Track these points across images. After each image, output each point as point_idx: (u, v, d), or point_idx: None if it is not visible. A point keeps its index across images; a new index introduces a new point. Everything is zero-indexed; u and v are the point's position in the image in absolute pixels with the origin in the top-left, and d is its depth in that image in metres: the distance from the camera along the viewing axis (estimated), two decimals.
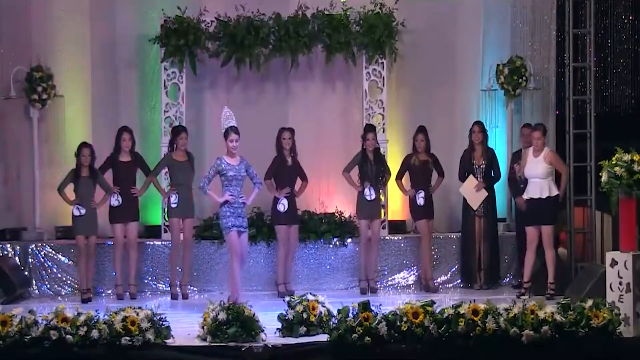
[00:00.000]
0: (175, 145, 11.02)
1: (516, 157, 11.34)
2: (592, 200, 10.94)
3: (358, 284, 11.20)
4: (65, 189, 10.75)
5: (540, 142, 10.44)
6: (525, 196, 10.50)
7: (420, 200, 11.10)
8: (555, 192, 10.40)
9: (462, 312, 7.84)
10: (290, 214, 10.89)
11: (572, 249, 10.91)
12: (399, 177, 11.25)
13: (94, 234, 10.79)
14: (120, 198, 10.82)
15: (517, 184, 11.06)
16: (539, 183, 10.37)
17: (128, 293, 10.90)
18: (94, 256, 10.86)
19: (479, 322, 7.79)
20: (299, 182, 11.11)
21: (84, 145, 10.75)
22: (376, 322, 7.81)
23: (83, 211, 10.66)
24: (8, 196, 11.86)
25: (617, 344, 7.93)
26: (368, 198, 11.03)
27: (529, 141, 11.20)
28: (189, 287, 11.13)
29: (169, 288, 11.01)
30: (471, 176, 11.26)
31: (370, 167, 11.06)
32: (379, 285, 11.34)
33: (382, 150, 11.50)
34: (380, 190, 11.19)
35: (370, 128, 11.19)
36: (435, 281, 11.37)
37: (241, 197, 9.54)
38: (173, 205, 10.89)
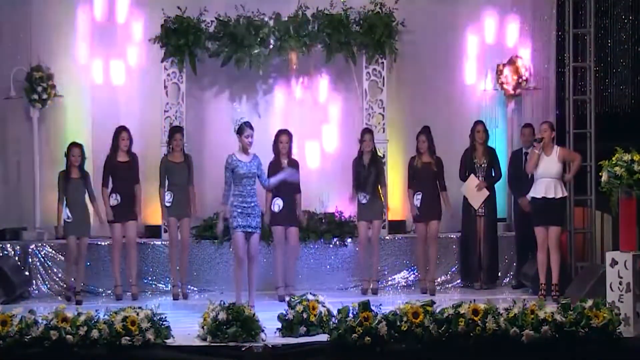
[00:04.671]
0: (171, 147, 11.01)
1: (515, 158, 11.32)
2: (592, 200, 10.93)
3: (360, 284, 11.20)
4: (63, 201, 10.58)
5: (547, 134, 10.24)
6: (533, 194, 10.33)
7: (417, 202, 10.94)
8: (565, 193, 10.29)
9: (462, 312, 7.85)
10: (288, 215, 10.72)
11: (572, 249, 10.91)
12: (410, 187, 11.06)
13: (85, 235, 10.69)
14: (118, 197, 10.79)
15: (519, 184, 11.04)
16: (552, 182, 10.18)
17: (130, 294, 10.86)
18: (84, 258, 10.74)
19: (479, 322, 7.80)
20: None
21: (74, 145, 10.67)
22: (376, 322, 7.81)
23: (71, 219, 10.56)
24: (8, 196, 11.86)
25: (617, 344, 7.94)
26: (363, 202, 11.00)
27: (529, 141, 11.19)
28: (189, 286, 11.14)
29: (169, 288, 11.01)
30: (472, 175, 11.25)
31: (364, 170, 11.00)
32: (378, 285, 11.35)
33: (382, 150, 11.50)
34: (380, 192, 11.13)
35: (365, 131, 11.12)
36: (434, 282, 11.36)
37: (254, 198, 9.46)
38: (167, 205, 10.87)
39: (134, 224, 10.91)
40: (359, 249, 11.19)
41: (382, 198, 11.14)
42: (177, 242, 10.91)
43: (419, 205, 10.97)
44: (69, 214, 10.59)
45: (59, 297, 10.96)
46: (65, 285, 11.05)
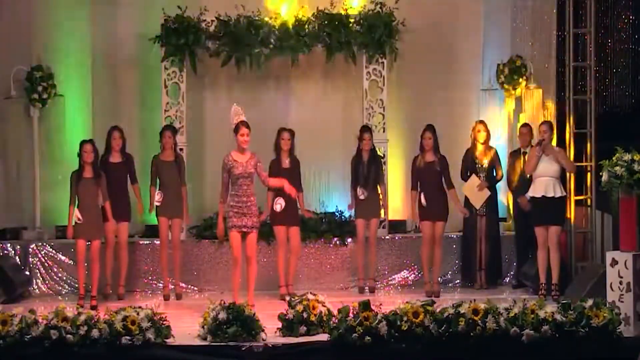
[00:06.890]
0: (162, 146, 10.91)
1: (514, 157, 11.32)
2: (592, 200, 10.93)
3: (357, 282, 11.17)
4: (74, 202, 10.22)
5: (547, 135, 10.31)
6: (532, 194, 10.35)
7: (423, 201, 10.77)
8: (564, 192, 10.34)
9: (462, 311, 7.85)
10: (289, 215, 10.70)
11: (572, 249, 10.91)
12: (413, 188, 10.88)
13: (96, 239, 10.31)
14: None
15: (518, 184, 11.03)
16: (551, 181, 10.22)
17: (116, 294, 10.76)
18: (97, 263, 10.30)
19: (479, 321, 7.80)
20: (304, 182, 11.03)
21: (85, 141, 10.28)
22: (376, 321, 7.81)
23: (81, 221, 10.15)
24: (8, 196, 11.85)
25: (617, 343, 7.93)
26: (361, 197, 10.97)
27: (527, 140, 11.19)
28: (190, 286, 11.13)
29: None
30: (474, 175, 11.24)
31: (363, 167, 10.98)
32: (379, 285, 11.34)
33: (382, 149, 11.49)
34: (379, 190, 11.11)
35: (365, 129, 11.11)
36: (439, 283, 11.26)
37: (251, 198, 9.41)
38: (157, 204, 10.78)
39: (125, 225, 10.77)
40: (356, 247, 11.17)
41: (381, 196, 11.15)
42: (166, 243, 10.78)
43: (425, 204, 10.77)
44: (79, 216, 10.20)
45: (59, 297, 10.96)
46: (68, 287, 11.03)
